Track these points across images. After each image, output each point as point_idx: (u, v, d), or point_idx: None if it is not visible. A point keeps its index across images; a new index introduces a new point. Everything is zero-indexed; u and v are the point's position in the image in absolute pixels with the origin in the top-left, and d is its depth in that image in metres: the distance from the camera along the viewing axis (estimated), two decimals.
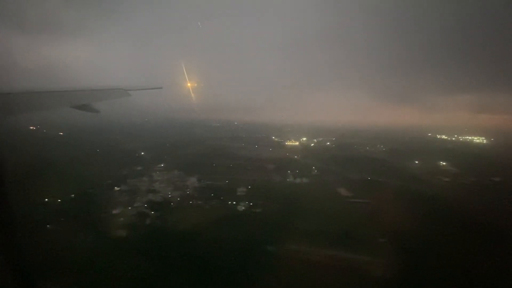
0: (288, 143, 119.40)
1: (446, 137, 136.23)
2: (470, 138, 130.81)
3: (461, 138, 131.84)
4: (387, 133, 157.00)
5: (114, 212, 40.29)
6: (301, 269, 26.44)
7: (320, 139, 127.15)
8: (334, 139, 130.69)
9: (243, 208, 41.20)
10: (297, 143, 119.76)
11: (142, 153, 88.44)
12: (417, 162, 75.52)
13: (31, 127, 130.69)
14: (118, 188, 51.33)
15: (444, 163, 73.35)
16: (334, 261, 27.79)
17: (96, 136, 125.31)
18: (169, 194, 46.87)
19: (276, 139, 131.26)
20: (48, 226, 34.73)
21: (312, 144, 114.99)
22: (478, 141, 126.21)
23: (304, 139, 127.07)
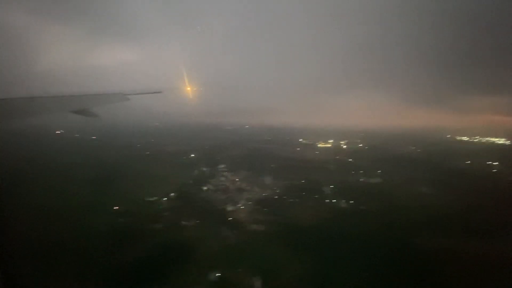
0: (319, 145, 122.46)
1: (467, 139, 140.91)
2: (492, 139, 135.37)
3: (483, 140, 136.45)
4: (405, 135, 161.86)
5: (229, 209, 42.22)
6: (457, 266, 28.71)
7: (346, 141, 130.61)
8: (359, 141, 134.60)
9: (345, 205, 43.53)
10: (329, 145, 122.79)
11: (192, 155, 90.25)
12: (469, 162, 79.14)
13: (57, 131, 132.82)
14: (206, 188, 53.22)
15: (495, 163, 76.87)
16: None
17: (126, 139, 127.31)
18: (263, 193, 48.88)
19: (303, 141, 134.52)
20: (182, 222, 36.46)
21: (345, 146, 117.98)
22: (500, 142, 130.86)
23: (331, 141, 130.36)
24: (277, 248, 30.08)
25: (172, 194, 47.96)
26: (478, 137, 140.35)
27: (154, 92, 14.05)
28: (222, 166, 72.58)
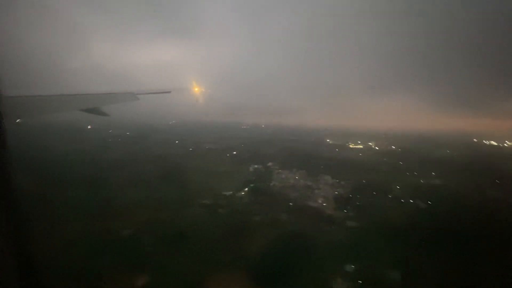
0: (351, 145, 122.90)
1: (495, 143, 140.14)
2: None
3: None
4: (430, 138, 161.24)
5: (313, 205, 42.93)
6: None
7: (374, 142, 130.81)
8: (386, 143, 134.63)
9: (424, 205, 44.04)
10: (360, 146, 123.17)
11: (234, 152, 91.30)
12: None
13: (89, 126, 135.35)
14: (272, 184, 54.10)
15: None
16: None
17: (159, 135, 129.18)
18: (334, 191, 49.55)
19: (331, 142, 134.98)
20: (275, 216, 37.26)
21: (377, 148, 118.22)
22: None
23: (359, 142, 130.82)
24: (386, 244, 30.70)
25: (246, 188, 48.94)
26: (507, 141, 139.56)
27: (164, 92, 14.55)
28: (270, 163, 73.41)
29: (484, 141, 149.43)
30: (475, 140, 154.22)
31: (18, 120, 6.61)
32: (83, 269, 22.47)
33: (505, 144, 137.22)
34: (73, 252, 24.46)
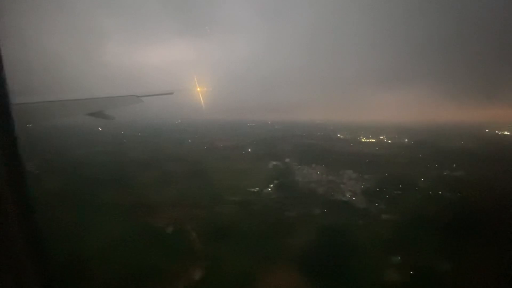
0: (363, 140, 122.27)
1: (507, 133, 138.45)
2: None
3: None
4: (442, 130, 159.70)
5: (344, 199, 42.96)
6: None
7: (384, 135, 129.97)
8: (397, 136, 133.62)
9: (454, 197, 43.69)
10: (373, 140, 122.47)
11: (248, 149, 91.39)
12: None
13: (99, 128, 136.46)
14: (295, 179, 54.12)
15: None
16: None
17: (170, 135, 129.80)
18: (360, 185, 49.39)
19: (342, 137, 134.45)
20: (310, 211, 37.34)
21: (390, 141, 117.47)
22: None
23: (370, 136, 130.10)
24: (427, 235, 30.51)
25: (271, 185, 49.00)
26: None
27: (167, 94, 14.37)
28: (288, 160, 73.33)
29: (496, 131, 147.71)
30: (487, 130, 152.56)
31: (28, 125, 6.72)
32: (141, 264, 22.74)
33: None
34: (127, 248, 24.77)
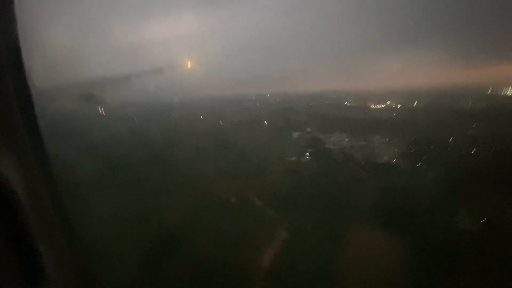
0: (372, 106, 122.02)
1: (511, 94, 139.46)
2: None
3: None
4: (446, 91, 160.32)
5: (383, 162, 43.84)
6: None
7: (391, 100, 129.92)
8: (404, 100, 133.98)
9: (490, 153, 44.89)
10: (382, 106, 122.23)
11: (265, 122, 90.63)
12: None
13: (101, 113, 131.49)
14: (327, 147, 54.67)
15: None
16: None
17: (175, 113, 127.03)
18: (395, 149, 50.13)
19: (349, 104, 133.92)
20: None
21: (399, 106, 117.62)
22: None
23: (378, 101, 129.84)
24: (487, 189, 31.67)
25: (307, 153, 49.51)
26: None
27: (157, 72, 12.69)
28: (309, 129, 73.41)
29: (498, 91, 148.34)
30: (489, 92, 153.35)
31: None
32: (226, 234, 23.24)
33: None
34: (206, 218, 25.12)
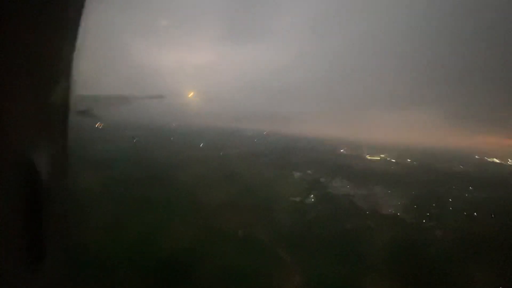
0: (368, 157, 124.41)
1: (498, 161, 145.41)
2: None
3: None
4: (437, 152, 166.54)
5: (388, 213, 43.22)
6: None
7: (386, 154, 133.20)
8: (398, 155, 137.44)
9: (492, 218, 45.05)
10: (377, 158, 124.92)
11: (265, 158, 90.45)
12: None
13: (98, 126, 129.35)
14: (329, 191, 53.94)
15: None
16: None
17: (175, 138, 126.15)
18: (398, 202, 49.90)
19: (345, 152, 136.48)
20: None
21: (393, 160, 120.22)
22: None
23: (373, 153, 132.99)
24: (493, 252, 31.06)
25: (311, 195, 48.52)
26: (509, 159, 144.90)
27: (156, 97, 13.90)
28: (310, 171, 73.33)
29: (486, 158, 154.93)
30: (477, 157, 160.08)
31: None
32: (231, 268, 21.32)
33: (508, 162, 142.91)
34: (210, 251, 23.21)
